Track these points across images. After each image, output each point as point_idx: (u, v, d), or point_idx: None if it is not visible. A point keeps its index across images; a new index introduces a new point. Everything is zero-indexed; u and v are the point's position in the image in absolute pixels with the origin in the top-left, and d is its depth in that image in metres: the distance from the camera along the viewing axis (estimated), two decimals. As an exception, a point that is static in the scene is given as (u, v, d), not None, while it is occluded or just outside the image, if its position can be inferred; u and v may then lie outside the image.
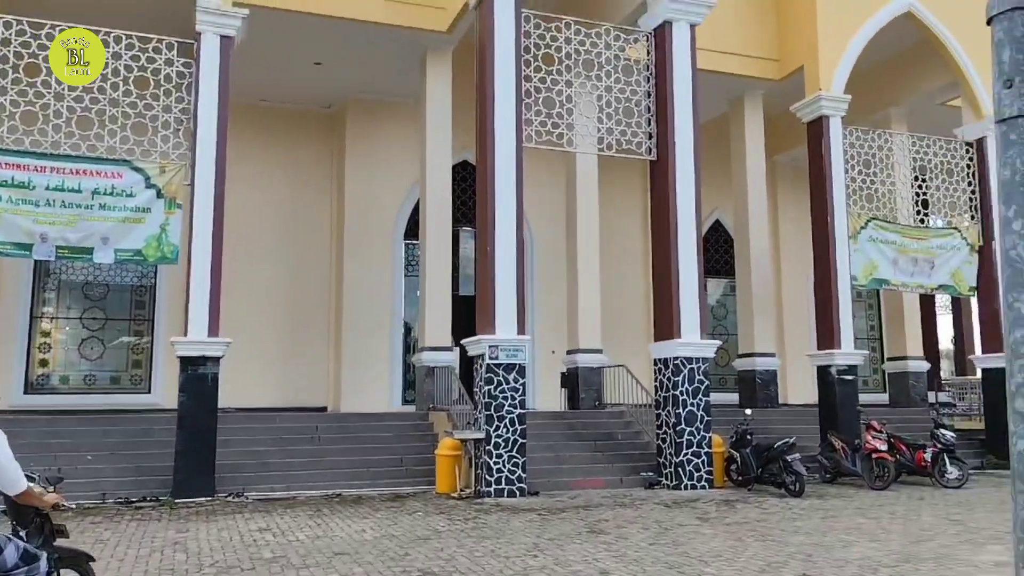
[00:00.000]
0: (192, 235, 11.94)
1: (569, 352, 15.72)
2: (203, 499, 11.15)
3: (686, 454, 12.56)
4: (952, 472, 13.21)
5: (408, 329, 18.16)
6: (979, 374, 19.11)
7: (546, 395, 17.36)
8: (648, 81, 13.32)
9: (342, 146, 18.20)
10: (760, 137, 17.48)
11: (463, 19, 14.10)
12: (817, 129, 15.52)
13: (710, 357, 12.89)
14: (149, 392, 16.94)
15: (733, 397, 18.07)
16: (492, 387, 11.75)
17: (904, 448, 13.69)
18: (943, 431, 13.68)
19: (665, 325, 12.90)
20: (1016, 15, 2.20)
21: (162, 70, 12.10)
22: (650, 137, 13.20)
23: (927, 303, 22.03)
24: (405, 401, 17.44)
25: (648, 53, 13.40)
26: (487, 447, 11.63)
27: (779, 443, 12.39)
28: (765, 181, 17.68)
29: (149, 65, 12.03)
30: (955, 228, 16.66)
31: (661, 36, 13.24)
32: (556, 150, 13.17)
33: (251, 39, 13.51)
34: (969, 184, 16.74)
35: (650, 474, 13.05)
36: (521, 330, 11.94)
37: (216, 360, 11.89)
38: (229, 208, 12.92)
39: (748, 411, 13.64)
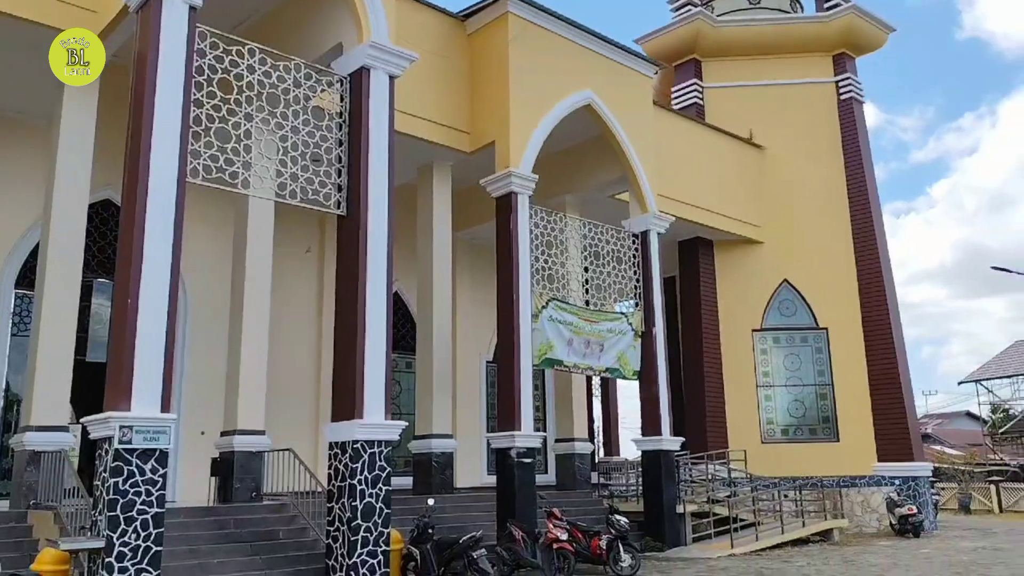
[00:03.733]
0: None
1: (224, 433, 13.30)
2: None
3: (361, 554, 10.84)
4: (626, 560, 13.09)
5: (12, 403, 14.33)
6: (636, 455, 20.05)
7: (191, 485, 14.54)
8: (340, 128, 11.95)
9: (-62, 167, 14.21)
10: (448, 209, 16.90)
11: (120, 27, 11.66)
12: (506, 205, 15.29)
13: (394, 440, 11.47)
14: None
15: (405, 481, 16.72)
16: (121, 479, 9.13)
17: (580, 536, 13.37)
18: (618, 517, 13.63)
19: (346, 403, 11.25)
20: None
21: None
22: (340, 189, 11.76)
23: (586, 385, 22.88)
24: (-2, 496, 13.55)
25: (342, 99, 12.08)
26: (108, 559, 8.92)
27: (465, 538, 11.28)
28: (451, 256, 17.04)
29: None
30: (622, 313, 17.35)
31: (357, 82, 12.02)
32: (227, 190, 11.12)
33: None
34: (635, 273, 17.62)
35: (316, 579, 11.15)
36: (166, 407, 9.54)
37: None
38: None
39: (431, 501, 12.37)
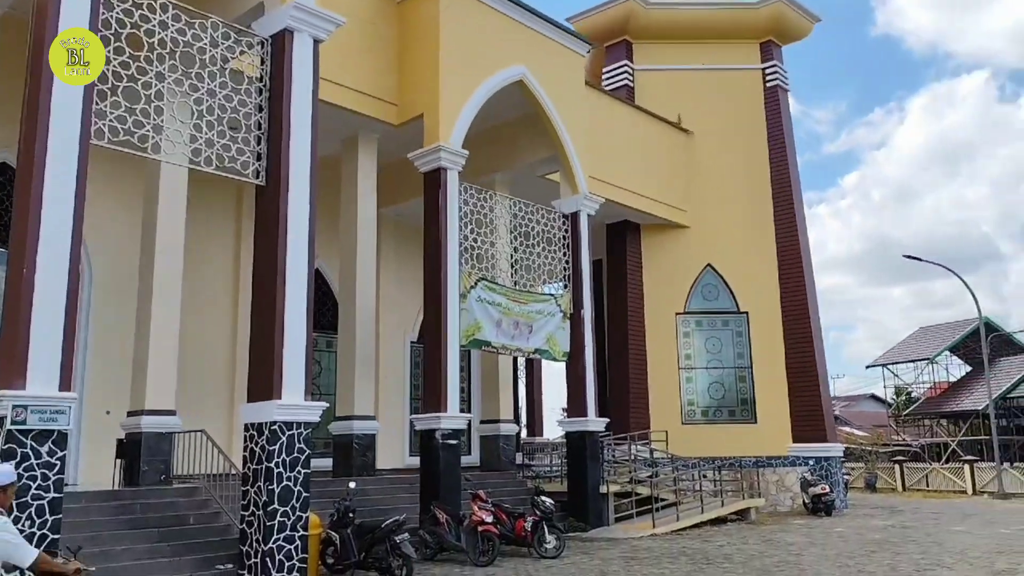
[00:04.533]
0: None
1: (131, 413, 12.57)
2: None
3: (278, 539, 10.38)
4: (551, 541, 12.97)
5: None
6: (559, 436, 19.97)
7: (94, 468, 13.76)
8: (261, 94, 11.31)
9: None
10: (373, 184, 16.32)
11: (17, -27, 10.78)
12: (434, 181, 14.87)
13: (314, 421, 10.99)
14: None
15: (325, 463, 16.22)
16: (14, 463, 8.46)
17: (505, 517, 13.17)
18: (543, 498, 13.48)
19: (263, 382, 10.71)
20: None
21: None
22: (259, 158, 11.13)
23: (513, 366, 22.68)
24: None
25: (262, 62, 11.43)
26: (-2, 549, 8.24)
27: (387, 522, 10.92)
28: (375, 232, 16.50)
29: None
30: (551, 295, 17.18)
31: (280, 45, 11.38)
32: (136, 155, 10.40)
33: None
34: (564, 254, 17.45)
35: (228, 566, 10.64)
36: (66, 385, 8.88)
37: None
38: None
39: (352, 484, 11.93)
